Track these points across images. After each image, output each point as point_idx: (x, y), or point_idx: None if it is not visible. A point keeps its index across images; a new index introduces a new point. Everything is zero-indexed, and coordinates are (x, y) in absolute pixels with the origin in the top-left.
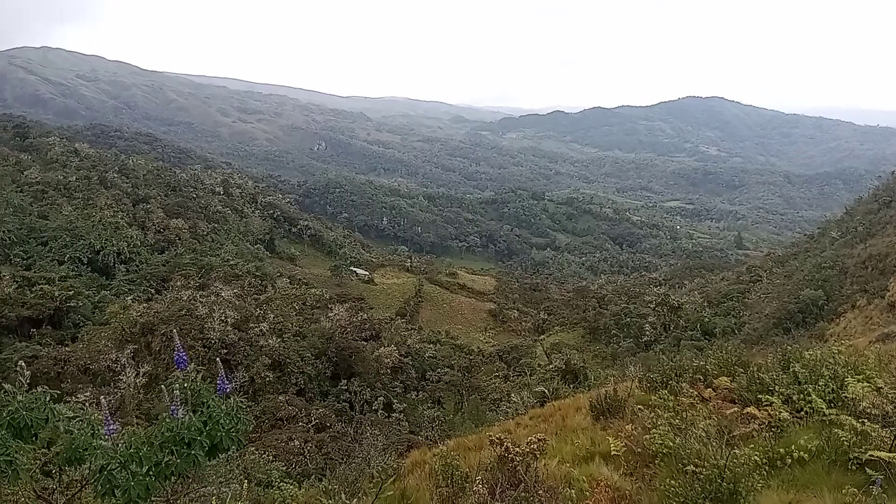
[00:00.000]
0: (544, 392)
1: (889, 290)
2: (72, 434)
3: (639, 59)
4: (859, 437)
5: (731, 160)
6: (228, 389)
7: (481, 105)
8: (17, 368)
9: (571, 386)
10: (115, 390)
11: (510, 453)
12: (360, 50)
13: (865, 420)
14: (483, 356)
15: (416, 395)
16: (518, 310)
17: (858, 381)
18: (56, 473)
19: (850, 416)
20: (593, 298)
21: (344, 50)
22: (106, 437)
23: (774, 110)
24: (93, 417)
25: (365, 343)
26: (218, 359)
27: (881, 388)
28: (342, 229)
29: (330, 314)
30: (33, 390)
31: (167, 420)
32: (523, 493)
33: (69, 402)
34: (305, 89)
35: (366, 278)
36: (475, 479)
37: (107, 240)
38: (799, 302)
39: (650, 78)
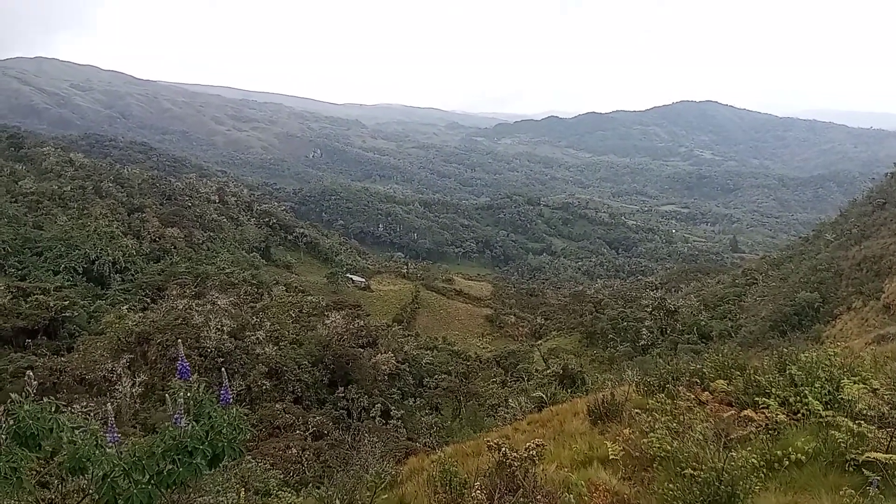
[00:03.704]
0: (542, 397)
1: (884, 292)
2: (75, 444)
3: (633, 65)
4: (856, 439)
5: (726, 164)
6: (230, 400)
7: (476, 111)
8: (26, 378)
9: (569, 391)
10: (112, 400)
11: (508, 459)
12: (355, 57)
13: (862, 421)
14: (480, 362)
15: (414, 402)
16: (515, 315)
17: (854, 382)
18: (55, 484)
19: (846, 417)
20: (590, 303)
21: (339, 57)
22: (110, 444)
23: (768, 114)
24: (93, 427)
25: (362, 350)
26: (223, 369)
27: (877, 389)
28: (338, 236)
29: (326, 321)
30: (40, 401)
31: (170, 429)
32: (522, 499)
33: (64, 412)
34: (300, 97)
35: (362, 285)
36: (473, 485)
37: (102, 249)
38: (795, 304)
39: (644, 83)
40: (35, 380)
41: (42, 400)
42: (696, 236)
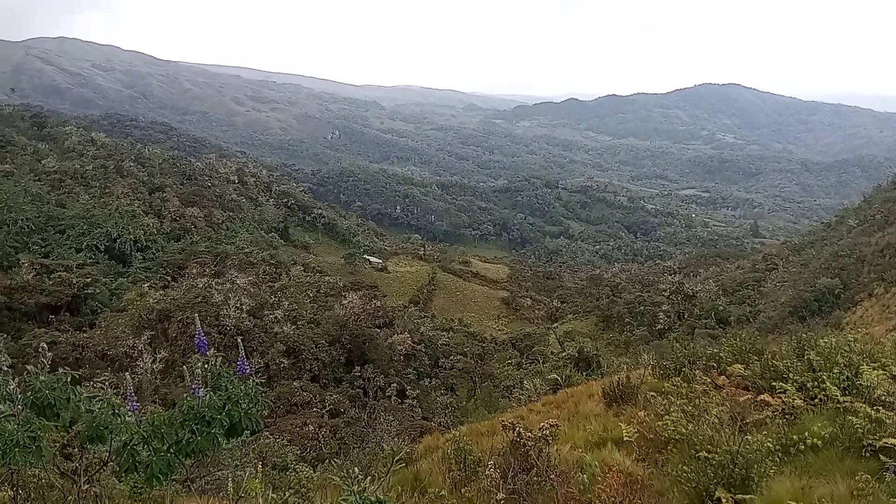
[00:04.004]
0: (557, 379)
1: None
2: (93, 413)
3: (654, 46)
4: (873, 425)
5: (748, 148)
6: (248, 371)
7: (495, 93)
8: (39, 350)
9: (584, 373)
10: (133, 375)
11: (522, 438)
12: (374, 39)
13: (880, 407)
14: (496, 344)
15: (430, 382)
16: (531, 298)
17: (874, 369)
18: (77, 454)
19: (864, 403)
20: (607, 287)
21: (358, 39)
22: (129, 413)
23: (792, 97)
24: (112, 398)
25: (378, 330)
26: (239, 339)
27: None
28: (356, 218)
29: (344, 302)
30: (55, 373)
31: (188, 398)
32: (535, 478)
33: (87, 385)
34: (319, 78)
35: (379, 266)
36: (487, 464)
37: (123, 228)
38: (815, 290)
39: (666, 65)
40: (49, 352)
41: (58, 371)
42: (716, 221)
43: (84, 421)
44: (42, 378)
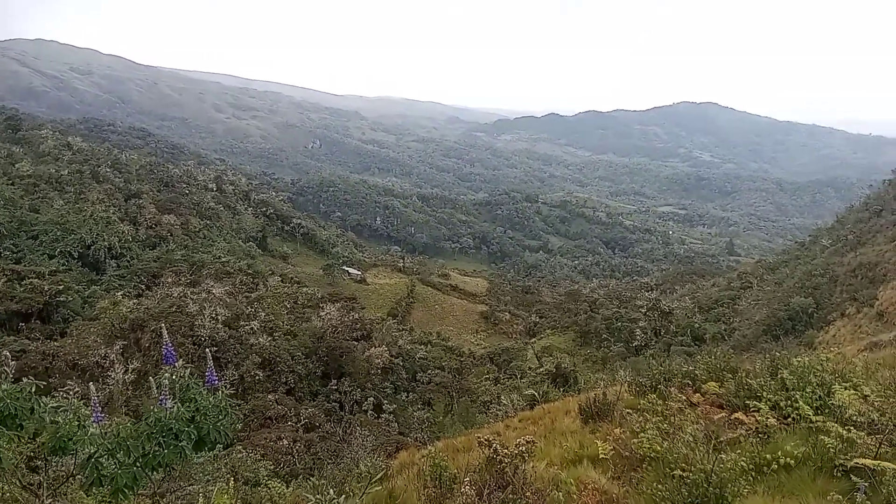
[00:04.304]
0: (534, 395)
1: (878, 299)
2: (57, 424)
3: (634, 64)
4: (845, 444)
5: (724, 166)
6: (217, 383)
7: (477, 106)
8: (2, 359)
9: (561, 389)
10: (104, 386)
11: (499, 455)
12: (357, 49)
13: (852, 427)
14: (474, 358)
15: (407, 397)
16: (510, 312)
17: (845, 388)
18: (42, 467)
19: (836, 423)
20: (585, 302)
21: (340, 48)
22: (94, 424)
23: (768, 117)
24: (79, 409)
25: (356, 343)
26: (208, 350)
27: (868, 395)
28: (335, 228)
29: (321, 313)
30: (19, 382)
31: (155, 410)
32: (511, 495)
33: (56, 396)
34: (301, 87)
35: (358, 278)
36: (463, 481)
37: (98, 234)
38: (789, 309)
39: (645, 83)
40: (17, 360)
41: (21, 381)
42: (692, 238)
43: (48, 432)
44: (4, 387)
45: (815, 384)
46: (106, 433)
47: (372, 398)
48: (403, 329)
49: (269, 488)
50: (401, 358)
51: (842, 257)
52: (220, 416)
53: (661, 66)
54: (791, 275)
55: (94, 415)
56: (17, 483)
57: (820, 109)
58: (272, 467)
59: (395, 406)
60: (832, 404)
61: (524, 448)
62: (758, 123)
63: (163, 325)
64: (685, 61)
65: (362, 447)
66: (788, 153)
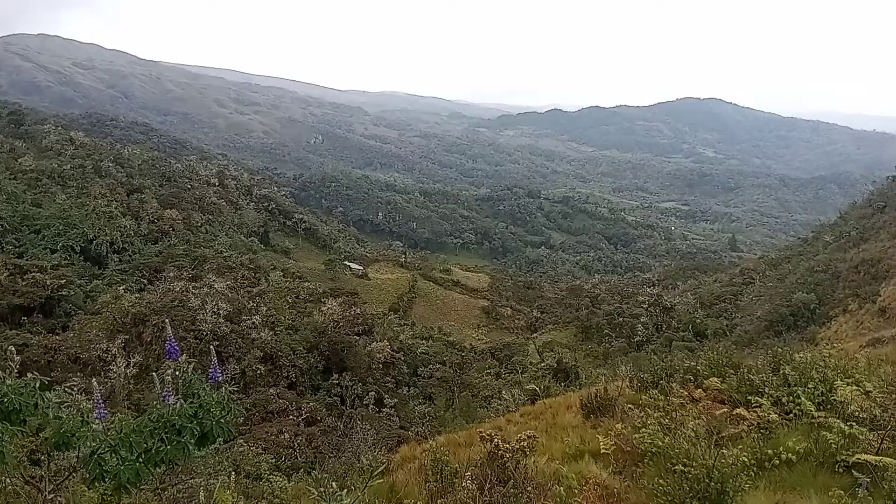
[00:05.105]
0: (535, 390)
1: (880, 296)
2: (61, 420)
3: (637, 60)
4: (847, 440)
5: (728, 162)
6: (220, 378)
7: (480, 101)
8: (8, 354)
9: (563, 384)
10: (106, 380)
11: (500, 450)
12: (359, 44)
13: (853, 423)
14: (475, 353)
15: (408, 391)
16: (511, 307)
17: (847, 384)
18: (45, 461)
19: (838, 418)
20: (587, 297)
21: (343, 44)
22: (97, 420)
23: (771, 113)
24: (82, 405)
25: (357, 338)
26: (211, 346)
27: (870, 391)
28: (337, 223)
29: (323, 308)
30: (23, 377)
31: (158, 406)
32: (512, 490)
33: (58, 390)
34: (303, 82)
35: (360, 273)
36: (464, 475)
37: (100, 229)
38: (791, 305)
39: (648, 78)
40: (20, 355)
41: (26, 376)
42: (695, 234)
43: (52, 427)
44: (8, 382)
45: (817, 380)
46: (109, 429)
47: (373, 392)
48: (405, 324)
49: (271, 482)
50: (402, 353)
51: (844, 253)
52: (224, 413)
53: (664, 62)
54: (793, 271)
55: (96, 410)
56: (20, 477)
57: (824, 105)
58: (274, 461)
59: (396, 400)
60: (834, 400)
61: (525, 443)
62: (761, 119)
63: (166, 320)
64: (689, 57)
65: (364, 441)
66: (792, 149)
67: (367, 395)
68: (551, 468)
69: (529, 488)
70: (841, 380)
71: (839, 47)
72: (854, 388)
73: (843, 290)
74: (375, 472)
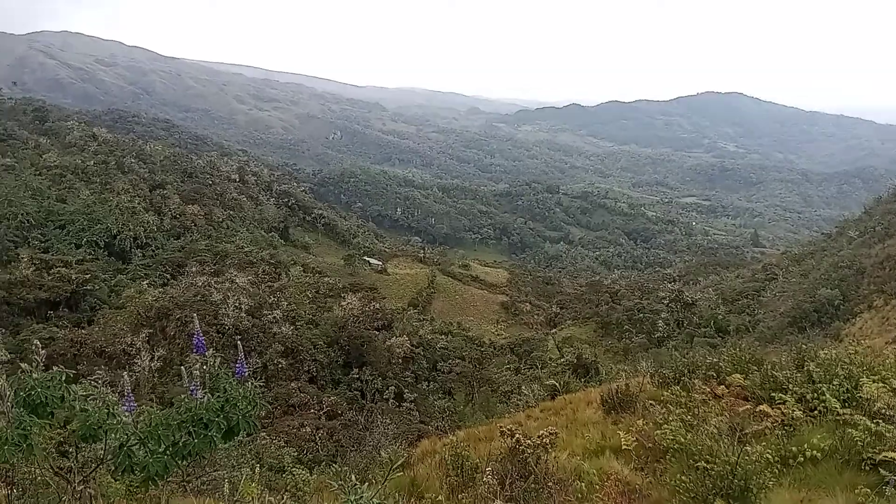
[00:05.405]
0: (555, 385)
1: None
2: (87, 412)
3: (657, 54)
4: (873, 438)
5: (749, 157)
6: (246, 373)
7: (497, 96)
8: (34, 348)
9: (583, 380)
10: (131, 373)
11: (521, 445)
12: (378, 40)
13: (880, 420)
14: (494, 348)
15: (427, 386)
16: (530, 303)
17: (874, 381)
18: (72, 453)
19: (864, 416)
20: (606, 293)
21: (361, 40)
22: (126, 413)
23: (794, 107)
24: (108, 397)
25: (377, 332)
26: (238, 341)
27: None
28: (356, 219)
29: (343, 303)
30: (49, 371)
31: (186, 400)
32: (533, 485)
33: (83, 383)
34: (322, 78)
35: (379, 268)
36: (485, 470)
37: (123, 224)
38: (815, 301)
39: (668, 73)
40: (46, 348)
41: (52, 369)
42: (716, 229)
43: (78, 420)
44: (35, 376)
45: (842, 377)
46: (138, 422)
47: (393, 387)
48: (424, 319)
49: (294, 475)
50: (421, 347)
51: (869, 249)
52: (250, 407)
53: (684, 56)
54: (817, 266)
55: (126, 404)
56: (49, 468)
57: (847, 98)
58: (296, 454)
59: (416, 395)
60: (860, 397)
61: (546, 438)
62: (783, 113)
63: (194, 314)
64: (709, 51)
65: (384, 435)
66: (814, 143)
67: (387, 389)
68: (572, 464)
69: (550, 483)
70: (866, 377)
71: (864, 44)
72: (880, 385)
73: (867, 286)
74: (396, 466)
